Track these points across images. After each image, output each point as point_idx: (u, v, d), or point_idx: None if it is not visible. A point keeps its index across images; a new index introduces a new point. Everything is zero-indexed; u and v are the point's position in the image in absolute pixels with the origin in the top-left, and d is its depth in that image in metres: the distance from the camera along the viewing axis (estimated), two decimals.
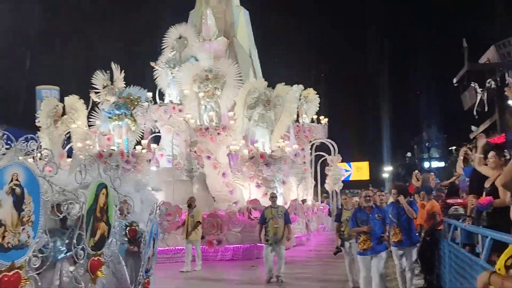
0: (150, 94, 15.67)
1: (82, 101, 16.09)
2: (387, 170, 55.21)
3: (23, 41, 36.36)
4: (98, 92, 14.77)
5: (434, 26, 57.41)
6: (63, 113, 16.00)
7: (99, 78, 14.90)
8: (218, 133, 14.28)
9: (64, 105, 16.09)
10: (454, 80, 32.91)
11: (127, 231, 5.70)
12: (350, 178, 64.97)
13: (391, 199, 9.16)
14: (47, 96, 22.86)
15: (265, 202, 13.64)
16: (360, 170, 65.59)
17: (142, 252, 5.53)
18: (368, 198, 7.45)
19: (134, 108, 13.36)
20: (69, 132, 15.71)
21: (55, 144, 15.19)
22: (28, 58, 35.14)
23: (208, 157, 14.52)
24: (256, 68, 20.66)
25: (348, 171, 65.87)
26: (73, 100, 16.17)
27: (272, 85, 15.71)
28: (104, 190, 4.56)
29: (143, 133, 15.47)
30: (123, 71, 14.89)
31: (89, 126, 15.68)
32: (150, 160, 14.91)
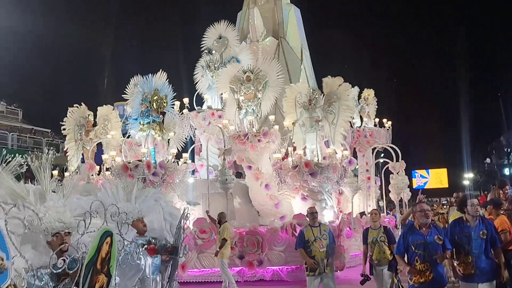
0: (187, 100, 14.51)
1: (116, 111, 15.23)
2: (467, 177, 51.31)
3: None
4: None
5: None
6: (95, 124, 15.21)
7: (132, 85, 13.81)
8: (259, 140, 12.78)
9: (91, 115, 15.30)
10: None
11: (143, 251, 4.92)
12: (429, 186, 61.67)
13: (455, 215, 7.43)
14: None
15: None
16: (438, 178, 61.98)
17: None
18: (427, 213, 5.77)
19: (161, 110, 12.14)
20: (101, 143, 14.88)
21: (86, 155, 14.44)
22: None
23: (249, 167, 13.07)
24: (307, 69, 19.08)
25: (426, 178, 62.59)
26: (106, 110, 15.33)
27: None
28: (108, 239, 3.93)
29: (185, 143, 14.38)
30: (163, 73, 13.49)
31: (128, 136, 14.73)
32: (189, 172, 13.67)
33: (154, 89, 12.64)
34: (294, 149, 13.54)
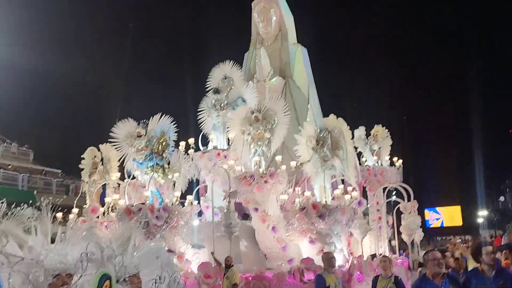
0: (192, 140, 14.35)
1: (115, 151, 14.99)
2: (481, 215, 50.32)
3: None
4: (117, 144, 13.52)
5: None
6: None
7: (126, 127, 13.53)
8: (266, 181, 12.51)
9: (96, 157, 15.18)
10: None
11: None
12: (442, 224, 60.51)
13: (471, 263, 7.06)
14: None
15: (320, 261, 11.64)
16: (452, 215, 60.91)
17: None
18: (440, 262, 5.47)
19: (164, 152, 11.98)
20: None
21: (90, 197, 14.23)
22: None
23: (256, 209, 12.75)
24: (315, 108, 18.95)
25: (439, 216, 61.54)
26: (106, 149, 15.12)
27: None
28: (107, 282, 3.96)
29: (190, 184, 14.14)
30: (164, 116, 13.36)
31: (133, 178, 14.52)
32: (194, 214, 13.39)
33: (161, 132, 12.55)
34: (302, 190, 13.26)
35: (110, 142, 13.83)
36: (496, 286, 5.34)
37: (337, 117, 13.85)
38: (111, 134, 13.58)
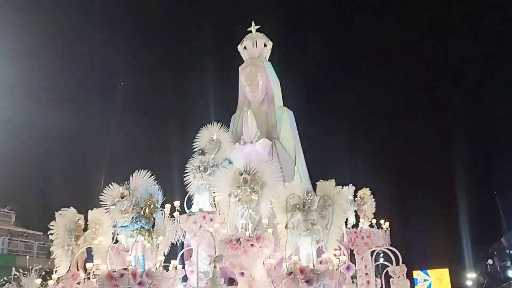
0: (178, 203, 14.16)
1: (108, 215, 14.79)
2: (470, 278, 49.79)
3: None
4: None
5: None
6: (86, 228, 14.67)
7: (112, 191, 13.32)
8: (252, 245, 12.28)
9: (81, 219, 14.80)
10: None
11: None
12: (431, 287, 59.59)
13: None
14: None
15: None
16: (440, 278, 60.14)
17: None
18: None
19: (151, 216, 11.72)
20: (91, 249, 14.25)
21: (73, 263, 13.76)
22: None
23: (242, 274, 12.44)
24: (301, 170, 18.98)
25: (428, 279, 60.67)
26: (98, 214, 14.83)
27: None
28: None
29: (174, 247, 13.79)
30: (149, 175, 13.15)
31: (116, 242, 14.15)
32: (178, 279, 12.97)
33: (149, 195, 12.34)
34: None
35: (102, 206, 13.63)
36: None
37: (334, 184, 13.79)
38: (101, 198, 13.36)
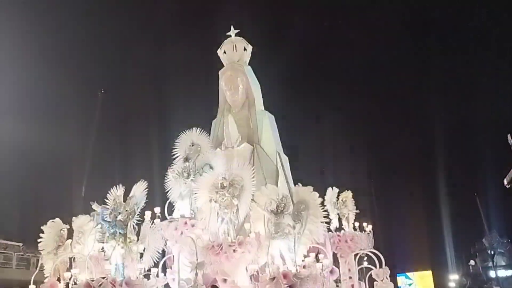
0: (158, 209, 13.92)
1: (92, 223, 14.50)
2: (453, 279, 50.18)
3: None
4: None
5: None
6: (69, 237, 14.37)
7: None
8: (234, 250, 12.12)
9: (64, 229, 14.50)
10: (505, 182, 29.94)
11: None
12: None
13: None
14: None
15: None
16: (423, 281, 60.65)
17: None
18: None
19: (127, 222, 11.53)
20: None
21: (56, 271, 13.43)
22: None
23: (225, 280, 12.24)
24: (287, 174, 18.92)
25: (411, 284, 61.13)
26: (82, 222, 14.52)
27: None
28: None
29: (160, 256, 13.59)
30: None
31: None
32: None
33: (135, 203, 12.16)
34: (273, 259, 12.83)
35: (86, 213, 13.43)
36: None
37: (311, 190, 13.71)
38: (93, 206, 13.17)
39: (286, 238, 12.57)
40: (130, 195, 12.65)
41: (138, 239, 12.18)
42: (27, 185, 41.07)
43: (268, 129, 19.31)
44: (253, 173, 13.64)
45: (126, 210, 11.82)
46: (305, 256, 12.87)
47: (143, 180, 13.10)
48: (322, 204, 14.66)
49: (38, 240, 14.56)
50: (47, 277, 14.03)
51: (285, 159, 19.35)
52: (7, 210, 39.04)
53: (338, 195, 18.63)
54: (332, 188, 18.15)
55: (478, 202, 46.84)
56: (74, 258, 14.06)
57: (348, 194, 19.13)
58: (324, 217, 14.16)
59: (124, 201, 12.34)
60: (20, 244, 35.33)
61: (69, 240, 14.40)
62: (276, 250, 12.60)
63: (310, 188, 13.66)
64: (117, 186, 12.91)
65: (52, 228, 14.66)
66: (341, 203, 18.73)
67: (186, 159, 15.34)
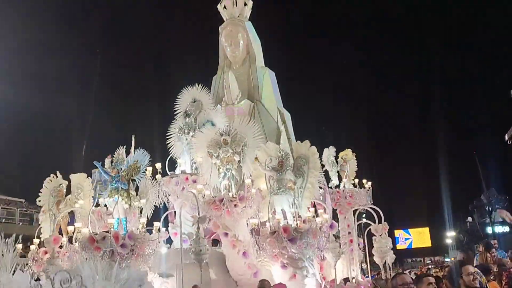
0: (159, 165, 13.98)
1: (89, 179, 14.62)
2: (449, 236, 50.90)
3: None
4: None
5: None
6: (68, 193, 14.49)
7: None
8: (235, 205, 12.22)
9: (66, 184, 14.60)
10: (506, 137, 29.96)
11: None
12: (412, 246, 61.05)
13: None
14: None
15: (293, 286, 11.34)
16: (421, 237, 61.57)
17: None
18: (410, 286, 4.51)
19: (130, 179, 11.58)
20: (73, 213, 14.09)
21: (55, 227, 13.59)
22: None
23: (226, 234, 12.42)
24: (290, 132, 18.92)
25: (409, 237, 62.08)
26: (79, 178, 14.65)
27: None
28: None
29: (156, 208, 13.68)
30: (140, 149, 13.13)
31: (97, 205, 14.00)
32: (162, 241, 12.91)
33: (135, 160, 12.18)
34: (274, 213, 12.98)
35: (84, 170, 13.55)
36: None
37: (309, 144, 13.73)
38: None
39: (288, 193, 12.65)
40: (131, 153, 12.66)
41: (137, 194, 12.27)
42: (29, 144, 41.18)
43: (269, 85, 19.17)
44: (258, 130, 13.62)
45: (129, 166, 11.84)
46: (309, 209, 13.01)
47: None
48: (321, 162, 14.77)
49: (38, 195, 14.68)
50: (43, 232, 14.24)
51: (288, 115, 19.32)
52: (9, 168, 39.23)
53: (338, 154, 18.72)
54: (329, 148, 18.22)
55: (477, 160, 46.96)
56: (75, 213, 14.24)
57: (348, 152, 19.21)
58: (324, 174, 14.27)
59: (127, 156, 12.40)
60: (23, 200, 35.64)
61: (69, 196, 14.55)
62: (279, 206, 12.71)
63: (308, 142, 13.66)
64: (118, 143, 12.96)
65: (51, 184, 14.76)
66: (341, 161, 18.85)
67: (187, 115, 15.31)
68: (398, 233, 57.25)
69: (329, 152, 17.89)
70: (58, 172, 14.74)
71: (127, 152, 12.77)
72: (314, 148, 13.74)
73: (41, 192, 14.39)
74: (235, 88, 17.97)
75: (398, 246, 55.34)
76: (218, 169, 12.95)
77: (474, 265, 7.56)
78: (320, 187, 14.53)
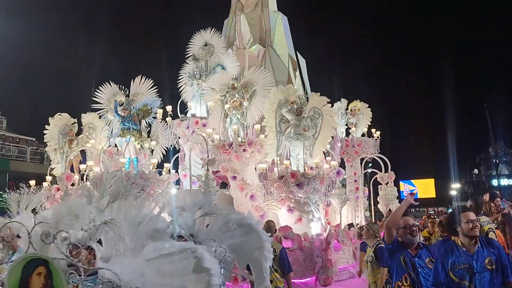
0: (170, 108, 14.07)
1: (101, 119, 14.80)
2: (454, 187, 51.26)
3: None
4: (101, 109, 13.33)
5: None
6: (79, 132, 14.69)
7: (106, 92, 13.33)
8: (244, 150, 12.38)
9: (75, 124, 14.80)
10: None
11: None
12: (418, 196, 61.59)
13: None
14: None
15: (299, 229, 11.63)
16: (426, 188, 62.05)
17: None
18: (412, 229, 4.58)
19: (141, 120, 11.72)
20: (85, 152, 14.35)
21: (68, 165, 13.88)
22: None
23: (234, 178, 12.65)
24: (304, 76, 18.83)
25: (414, 188, 62.58)
26: (91, 118, 14.80)
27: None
28: (41, 269, 2.77)
29: (167, 152, 13.90)
30: (147, 79, 13.24)
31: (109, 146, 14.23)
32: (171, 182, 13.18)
33: (145, 104, 12.28)
34: (281, 159, 13.13)
35: (94, 110, 13.65)
36: (482, 263, 4.21)
37: (326, 101, 13.65)
38: (94, 98, 13.28)
39: (305, 139, 12.72)
40: (132, 92, 12.78)
41: (148, 136, 12.46)
42: (39, 81, 41.24)
43: (281, 30, 18.88)
44: (269, 78, 13.53)
45: (140, 108, 11.96)
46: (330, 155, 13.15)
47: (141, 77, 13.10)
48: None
49: (44, 132, 14.92)
50: (54, 168, 14.53)
51: (302, 60, 19.12)
52: (18, 105, 39.48)
53: (348, 105, 18.71)
54: (341, 101, 18.18)
55: (487, 113, 46.63)
56: (86, 152, 14.50)
57: (357, 104, 19.19)
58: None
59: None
60: (34, 139, 36.05)
61: (81, 135, 14.76)
62: (294, 151, 12.82)
63: (324, 99, 13.53)
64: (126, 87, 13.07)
65: (59, 121, 14.94)
66: (349, 112, 18.85)
67: (196, 59, 15.24)
68: (402, 187, 57.70)
69: (341, 105, 17.93)
70: (66, 113, 14.93)
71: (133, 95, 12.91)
72: (329, 106, 13.58)
73: (47, 129, 14.60)
74: (247, 32, 17.73)
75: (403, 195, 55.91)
76: (226, 113, 13.01)
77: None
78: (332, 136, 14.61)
